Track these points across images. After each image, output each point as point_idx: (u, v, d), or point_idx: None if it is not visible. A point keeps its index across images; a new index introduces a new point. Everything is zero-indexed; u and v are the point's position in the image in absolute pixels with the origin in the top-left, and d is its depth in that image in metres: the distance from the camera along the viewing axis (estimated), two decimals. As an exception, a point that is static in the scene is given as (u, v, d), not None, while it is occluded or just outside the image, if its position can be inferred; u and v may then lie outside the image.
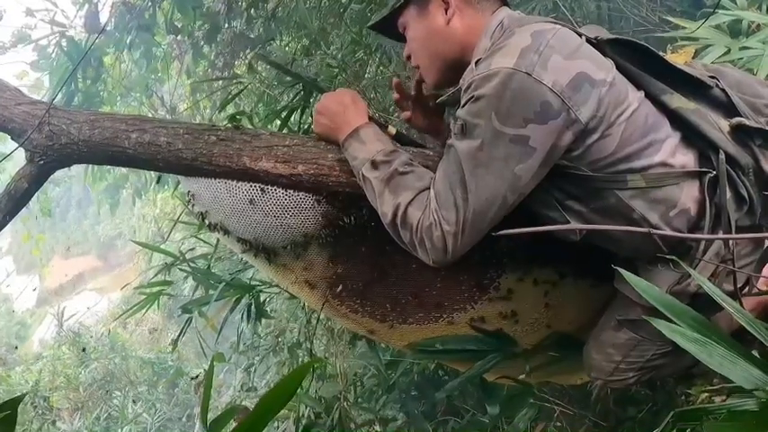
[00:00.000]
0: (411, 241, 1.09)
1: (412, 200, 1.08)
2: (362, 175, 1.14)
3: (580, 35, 1.09)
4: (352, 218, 1.23)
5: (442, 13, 1.18)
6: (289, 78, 2.01)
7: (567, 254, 1.29)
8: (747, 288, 1.13)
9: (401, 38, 1.28)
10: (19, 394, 0.93)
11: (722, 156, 1.03)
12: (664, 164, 1.04)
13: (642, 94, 1.07)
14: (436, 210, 1.05)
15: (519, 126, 1.00)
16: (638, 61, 1.09)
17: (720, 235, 1.05)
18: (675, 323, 0.80)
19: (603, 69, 1.03)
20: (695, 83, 1.10)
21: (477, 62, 1.08)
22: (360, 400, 2.47)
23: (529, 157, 1.01)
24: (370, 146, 1.16)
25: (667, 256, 1.00)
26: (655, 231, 0.93)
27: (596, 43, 1.08)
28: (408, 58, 1.26)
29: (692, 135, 1.07)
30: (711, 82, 1.11)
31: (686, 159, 1.06)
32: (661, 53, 1.11)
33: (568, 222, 1.10)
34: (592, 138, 1.02)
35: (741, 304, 0.93)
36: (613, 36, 1.10)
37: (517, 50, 1.02)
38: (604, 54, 1.08)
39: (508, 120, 1.00)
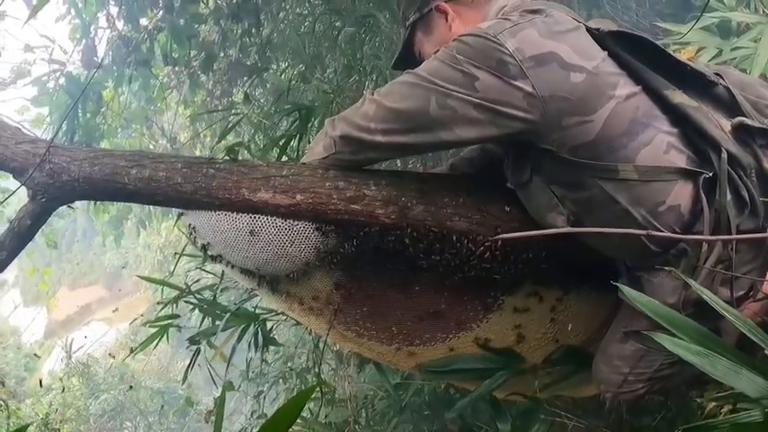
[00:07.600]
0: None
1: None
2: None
3: (579, 23, 1.08)
4: (354, 244, 1.24)
5: (444, 22, 1.23)
6: (287, 106, 2.03)
7: (570, 268, 1.29)
8: (752, 294, 1.11)
9: None
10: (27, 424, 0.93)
11: (724, 155, 1.00)
12: (655, 158, 1.02)
13: (639, 87, 1.05)
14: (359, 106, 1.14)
15: (472, 66, 1.02)
16: (643, 56, 1.07)
17: (719, 236, 1.02)
18: (678, 336, 0.80)
19: (585, 58, 1.02)
20: (700, 78, 1.08)
21: None
22: (372, 423, 2.45)
23: (468, 94, 1.02)
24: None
25: (666, 267, 1.00)
26: (653, 233, 0.93)
27: (597, 34, 1.07)
28: None
29: (692, 133, 1.04)
30: (716, 78, 1.09)
31: (682, 157, 1.04)
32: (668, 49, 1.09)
33: (563, 214, 1.10)
34: (567, 121, 1.01)
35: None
36: (616, 29, 1.08)
37: (495, 21, 1.05)
38: (603, 46, 1.07)
39: (465, 60, 1.02)
